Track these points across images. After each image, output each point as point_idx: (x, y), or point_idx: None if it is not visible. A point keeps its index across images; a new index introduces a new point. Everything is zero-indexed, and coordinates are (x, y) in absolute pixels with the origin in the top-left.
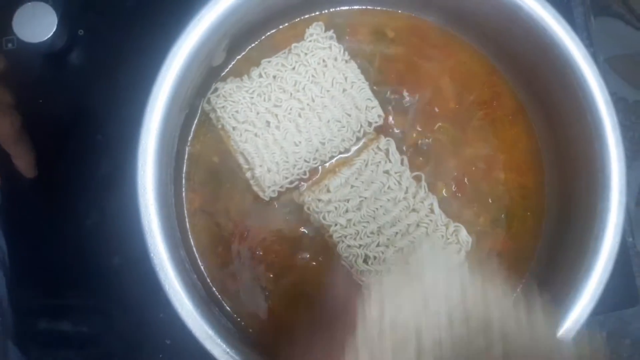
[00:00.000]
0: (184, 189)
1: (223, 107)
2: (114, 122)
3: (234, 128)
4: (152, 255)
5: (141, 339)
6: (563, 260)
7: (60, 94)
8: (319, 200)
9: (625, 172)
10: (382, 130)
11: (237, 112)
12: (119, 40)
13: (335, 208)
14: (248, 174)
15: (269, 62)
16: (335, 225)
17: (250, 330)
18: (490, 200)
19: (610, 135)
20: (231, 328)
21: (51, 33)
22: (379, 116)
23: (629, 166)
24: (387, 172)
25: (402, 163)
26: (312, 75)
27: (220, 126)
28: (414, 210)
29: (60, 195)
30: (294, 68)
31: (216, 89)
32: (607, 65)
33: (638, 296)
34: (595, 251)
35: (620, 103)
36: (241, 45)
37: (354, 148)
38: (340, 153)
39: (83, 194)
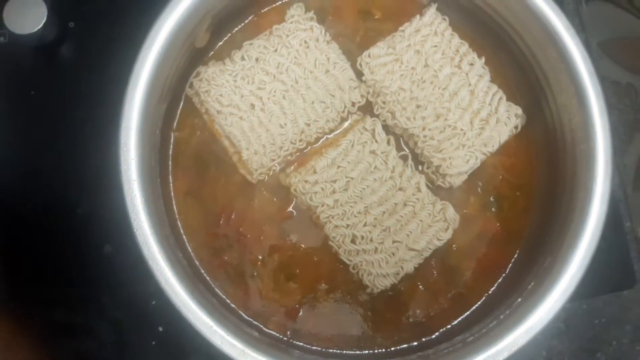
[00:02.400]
0: (170, 173)
1: (207, 91)
2: (104, 112)
3: (218, 112)
4: (135, 230)
5: (133, 326)
6: (552, 235)
7: (51, 85)
8: (306, 181)
9: (610, 141)
10: (367, 110)
11: (221, 95)
12: (109, 32)
13: (322, 189)
14: (234, 157)
15: (251, 44)
16: (322, 206)
17: (236, 307)
18: (479, 183)
19: (595, 105)
20: (216, 303)
21: (41, 24)
22: (362, 96)
23: (624, 149)
24: (373, 152)
25: (388, 143)
26: (295, 57)
27: (204, 110)
28: (400, 189)
29: (51, 184)
30: (276, 50)
31: (198, 73)
32: (599, 50)
33: (635, 278)
34: (582, 221)
35: (613, 86)
36: (225, 27)
37: (340, 128)
38: (326, 134)
39: (74, 183)
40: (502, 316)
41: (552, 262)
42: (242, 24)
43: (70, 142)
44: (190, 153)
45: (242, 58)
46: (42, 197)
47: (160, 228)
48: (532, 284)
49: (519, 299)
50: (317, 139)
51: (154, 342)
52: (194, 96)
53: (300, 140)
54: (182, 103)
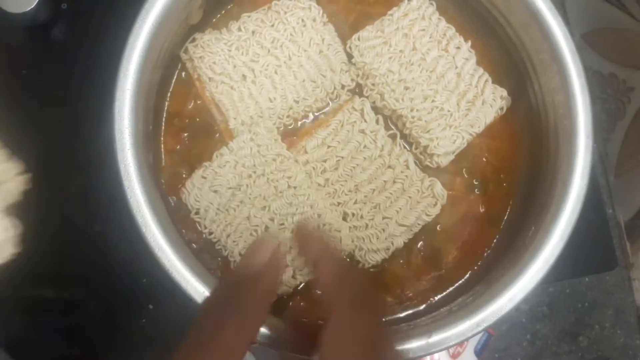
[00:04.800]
0: (161, 141)
1: (201, 57)
2: (96, 92)
3: (210, 79)
4: (129, 198)
5: (123, 304)
6: (535, 209)
7: (43, 65)
8: (297, 161)
9: (591, 116)
10: (357, 93)
11: (214, 63)
12: (101, 14)
13: (313, 168)
14: (222, 126)
15: (249, 16)
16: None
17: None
18: (465, 166)
19: (576, 82)
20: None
21: (34, 4)
22: (352, 80)
23: (607, 138)
24: (362, 131)
25: (377, 122)
26: (291, 34)
27: (196, 76)
28: (389, 167)
29: (43, 163)
30: (273, 25)
31: (194, 39)
32: (582, 41)
33: (617, 261)
34: (564, 193)
35: (596, 77)
36: (220, 3)
37: (328, 109)
38: (313, 113)
39: (65, 162)
40: (487, 287)
41: (535, 232)
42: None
43: (61, 121)
44: (182, 122)
45: (239, 29)
46: (33, 176)
47: (153, 195)
48: (513, 257)
49: (502, 271)
50: (304, 117)
51: (144, 320)
52: (187, 61)
53: (287, 116)
54: (176, 72)
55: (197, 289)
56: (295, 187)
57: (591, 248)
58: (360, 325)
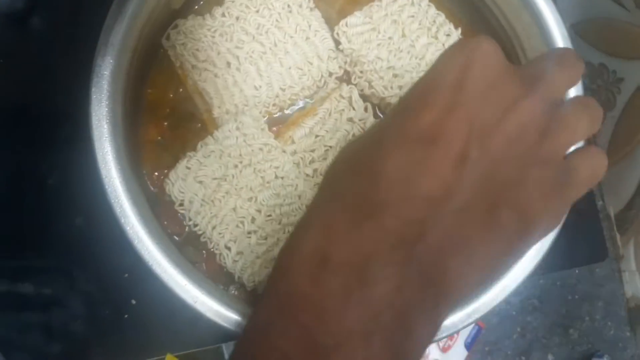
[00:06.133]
0: (143, 128)
1: (183, 44)
2: (76, 83)
3: (193, 66)
4: (107, 187)
5: (106, 300)
6: None
7: (20, 54)
8: (284, 151)
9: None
10: (344, 81)
11: (197, 50)
12: (80, 3)
13: (302, 159)
14: (205, 115)
15: (233, 2)
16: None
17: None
18: None
19: None
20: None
21: None
22: (340, 67)
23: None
24: (351, 119)
25: (366, 110)
26: (277, 20)
27: (178, 64)
28: None
29: (22, 155)
30: (258, 11)
31: (176, 25)
32: (572, 31)
33: (607, 252)
34: None
35: (586, 67)
36: None
37: (316, 97)
38: (300, 100)
39: (45, 154)
40: None
41: None
42: None
43: (40, 112)
44: (163, 111)
45: (223, 15)
46: (11, 167)
47: (133, 185)
48: None
49: None
50: (290, 106)
51: (126, 316)
52: (170, 48)
53: (273, 105)
54: (158, 60)
55: (180, 283)
56: (282, 178)
57: (582, 239)
58: None
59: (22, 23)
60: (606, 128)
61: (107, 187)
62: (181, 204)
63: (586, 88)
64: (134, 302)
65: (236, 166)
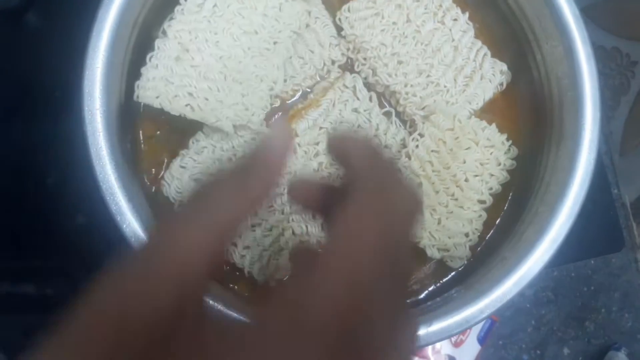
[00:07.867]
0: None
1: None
2: (72, 79)
3: None
4: (101, 184)
5: None
6: (540, 187)
7: (16, 50)
8: None
9: (598, 85)
10: (347, 69)
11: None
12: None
13: (305, 152)
14: None
15: None
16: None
17: None
18: None
19: (581, 50)
20: None
21: None
22: (343, 54)
23: (610, 116)
24: (355, 110)
25: (370, 100)
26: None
27: None
28: (385, 146)
29: (20, 154)
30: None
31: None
32: (583, 15)
33: (623, 242)
34: (571, 168)
35: (599, 51)
36: None
37: (318, 86)
38: (303, 90)
39: (44, 152)
40: (491, 270)
41: (540, 212)
42: None
43: (37, 109)
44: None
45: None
46: (9, 166)
47: (129, 183)
48: (517, 238)
49: (507, 253)
50: (292, 96)
51: None
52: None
53: (276, 96)
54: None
55: None
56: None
57: (597, 229)
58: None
59: (17, 19)
60: (620, 114)
61: (101, 184)
62: (180, 205)
63: (599, 73)
64: None
65: (231, 159)
